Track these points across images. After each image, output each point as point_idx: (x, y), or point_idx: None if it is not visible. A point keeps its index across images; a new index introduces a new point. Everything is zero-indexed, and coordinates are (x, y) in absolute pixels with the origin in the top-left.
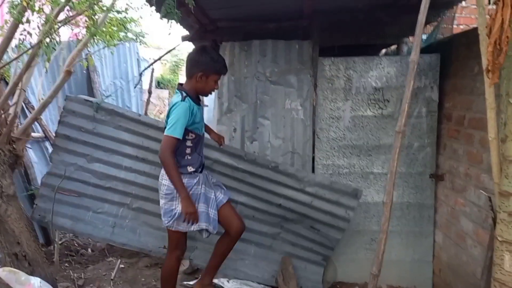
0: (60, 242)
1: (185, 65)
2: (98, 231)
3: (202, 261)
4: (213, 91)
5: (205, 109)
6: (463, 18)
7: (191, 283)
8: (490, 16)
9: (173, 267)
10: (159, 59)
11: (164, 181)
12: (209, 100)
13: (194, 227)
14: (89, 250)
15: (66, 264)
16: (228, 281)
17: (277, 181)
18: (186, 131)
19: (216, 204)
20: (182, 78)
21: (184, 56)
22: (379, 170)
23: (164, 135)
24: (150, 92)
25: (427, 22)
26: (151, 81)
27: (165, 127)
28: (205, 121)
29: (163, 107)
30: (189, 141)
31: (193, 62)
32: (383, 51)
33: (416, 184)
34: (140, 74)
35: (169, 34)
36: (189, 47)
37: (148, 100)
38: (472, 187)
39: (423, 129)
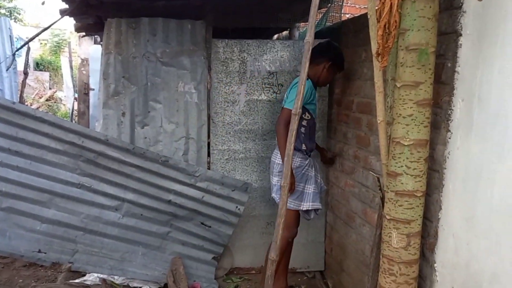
0: None
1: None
2: None
3: (84, 263)
4: (326, 84)
5: (91, 93)
6: (348, 7)
7: None
8: (380, 0)
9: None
10: (35, 37)
11: (278, 159)
12: (95, 84)
13: (305, 206)
14: None
15: None
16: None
17: (167, 176)
18: (303, 110)
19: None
20: (64, 59)
21: (67, 36)
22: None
23: (282, 108)
24: (26, 74)
25: (318, 7)
26: (27, 61)
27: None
28: (91, 105)
29: (43, 90)
30: (305, 121)
31: (324, 50)
32: (275, 36)
33: None
34: (14, 54)
35: (43, 3)
36: (71, 25)
37: (24, 82)
38: (360, 169)
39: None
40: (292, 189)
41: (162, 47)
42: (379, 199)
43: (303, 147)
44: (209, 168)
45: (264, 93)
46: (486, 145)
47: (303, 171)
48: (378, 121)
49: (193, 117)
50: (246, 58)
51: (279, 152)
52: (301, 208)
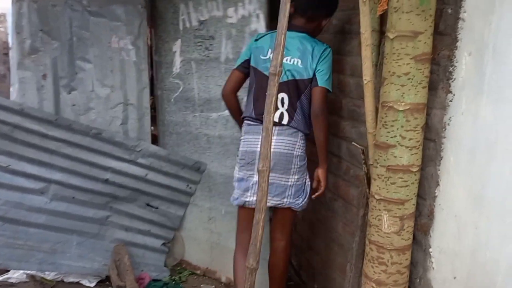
0: None
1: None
2: None
3: (6, 259)
4: None
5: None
6: None
7: None
8: None
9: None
10: None
11: (299, 150)
12: None
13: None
14: None
15: None
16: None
17: (101, 151)
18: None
19: None
20: None
21: None
22: (211, 131)
23: (321, 88)
24: None
25: None
26: None
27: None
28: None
29: None
30: None
31: (324, 3)
32: None
33: None
34: None
35: None
36: None
37: None
38: (331, 136)
39: None
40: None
41: None
42: (354, 171)
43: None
44: (155, 141)
45: (196, 50)
46: (505, 109)
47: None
48: (365, 82)
49: (132, 78)
50: (178, 3)
51: (297, 141)
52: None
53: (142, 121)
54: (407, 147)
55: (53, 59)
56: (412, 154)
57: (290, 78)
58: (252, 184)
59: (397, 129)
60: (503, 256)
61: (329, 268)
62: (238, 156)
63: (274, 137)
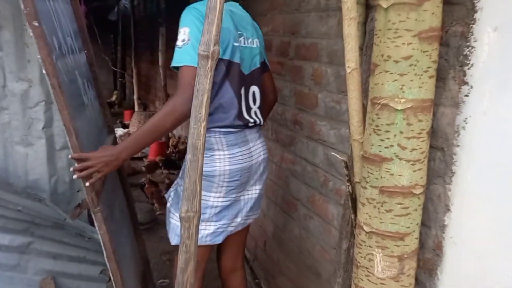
0: None
1: None
2: None
3: None
4: None
5: None
6: None
7: None
8: None
9: None
10: None
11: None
12: None
13: None
14: None
15: None
16: None
17: (3, 188)
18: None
19: None
20: None
21: None
22: None
23: (270, 71)
24: None
25: None
26: None
27: (262, 61)
28: None
29: None
30: None
31: None
32: None
33: None
34: None
35: None
36: None
37: None
38: (304, 139)
39: None
40: None
41: None
42: (334, 183)
43: None
44: None
45: None
46: None
47: None
48: (348, 70)
49: None
50: None
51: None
52: None
53: None
54: (408, 161)
55: None
56: (415, 171)
57: (258, 65)
58: (244, 204)
59: (395, 136)
60: None
61: None
62: (218, 177)
63: (259, 141)
